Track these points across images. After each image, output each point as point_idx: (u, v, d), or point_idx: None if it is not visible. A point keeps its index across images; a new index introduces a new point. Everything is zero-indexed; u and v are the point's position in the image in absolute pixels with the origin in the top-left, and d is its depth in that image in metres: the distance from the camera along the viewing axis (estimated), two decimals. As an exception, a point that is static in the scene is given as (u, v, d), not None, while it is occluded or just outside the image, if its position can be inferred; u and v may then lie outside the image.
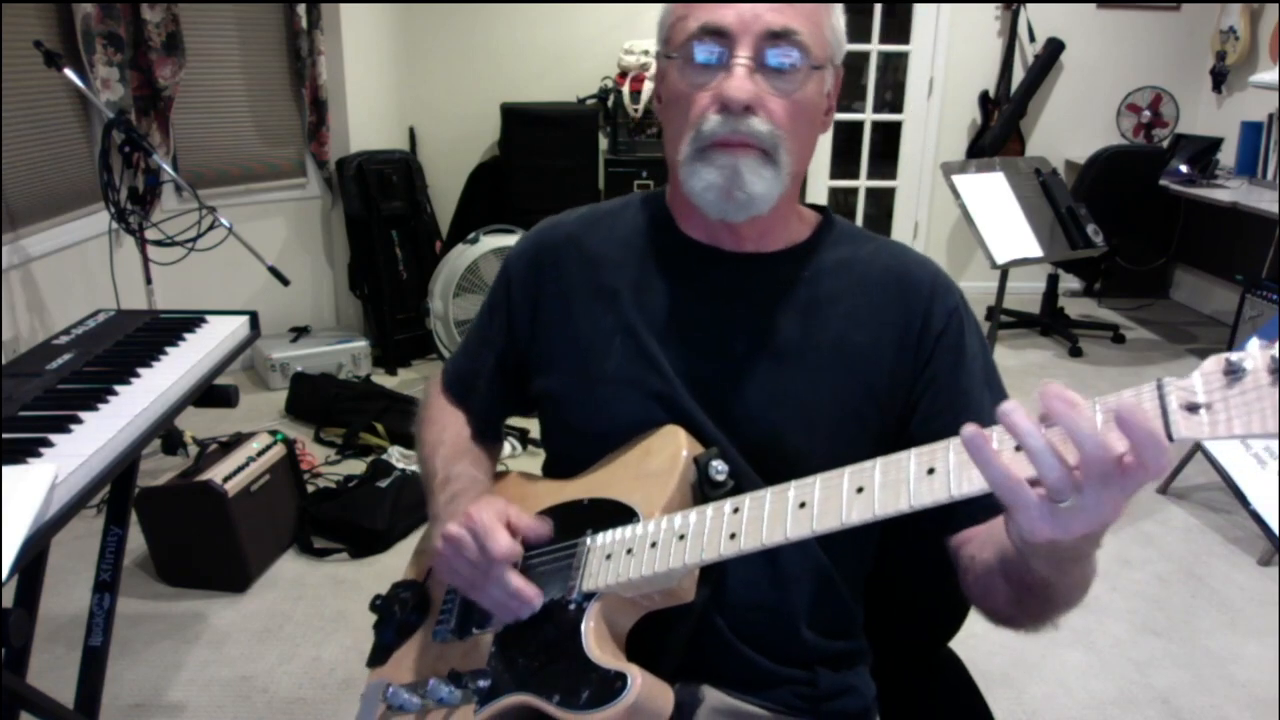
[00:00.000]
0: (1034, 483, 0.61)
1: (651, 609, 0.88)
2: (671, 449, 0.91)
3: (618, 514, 0.90)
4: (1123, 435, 0.56)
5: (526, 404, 1.10)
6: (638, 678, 0.79)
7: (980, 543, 0.85)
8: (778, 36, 0.87)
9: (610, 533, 0.88)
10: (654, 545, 0.83)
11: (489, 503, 0.92)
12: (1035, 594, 0.76)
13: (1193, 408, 0.57)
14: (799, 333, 0.96)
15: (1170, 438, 0.57)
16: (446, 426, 1.11)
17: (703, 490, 0.88)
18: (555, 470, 1.06)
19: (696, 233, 1.01)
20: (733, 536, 0.78)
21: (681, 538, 0.82)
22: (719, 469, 0.87)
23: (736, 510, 0.79)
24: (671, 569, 0.81)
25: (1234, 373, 0.56)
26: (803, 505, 0.75)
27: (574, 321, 1.02)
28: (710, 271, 0.99)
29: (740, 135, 0.87)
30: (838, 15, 0.94)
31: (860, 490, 0.71)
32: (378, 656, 1.03)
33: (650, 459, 0.92)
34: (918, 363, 0.95)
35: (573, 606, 0.86)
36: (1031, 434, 0.59)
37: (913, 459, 0.69)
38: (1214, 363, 0.57)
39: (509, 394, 1.11)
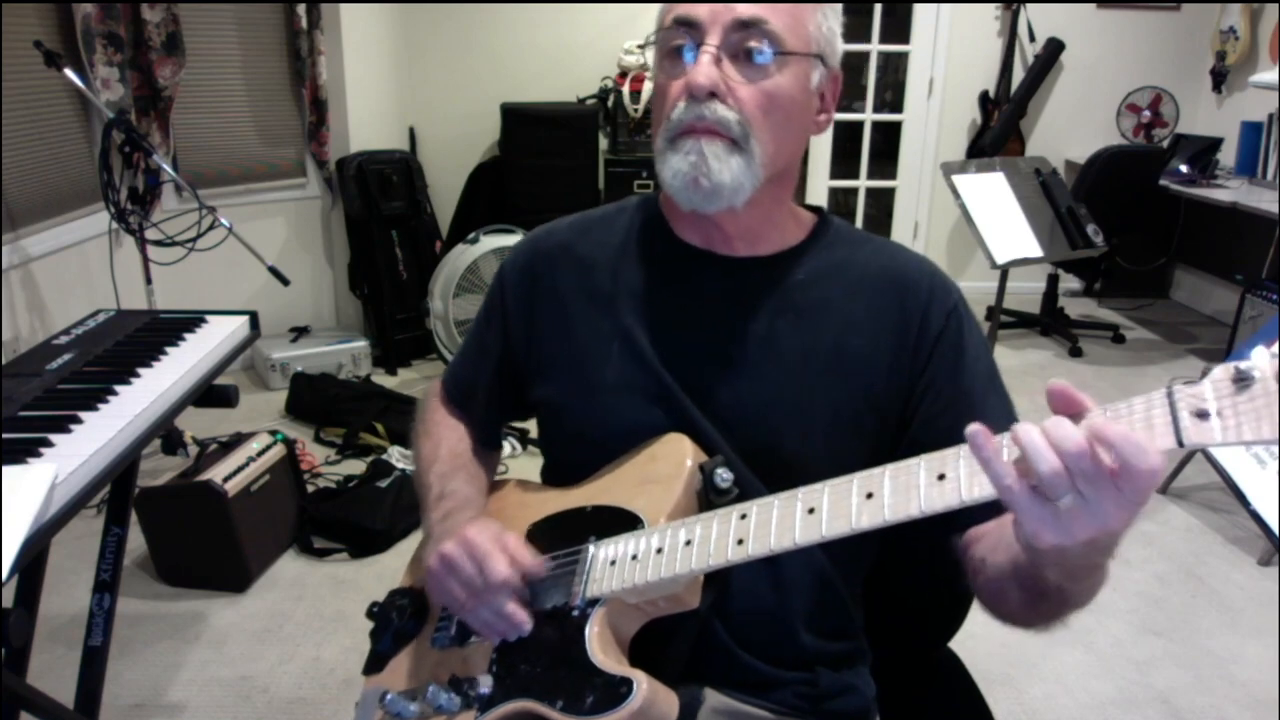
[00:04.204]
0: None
1: (656, 615, 0.88)
2: (676, 456, 0.91)
3: (621, 521, 0.89)
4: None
5: (526, 410, 1.10)
6: (643, 683, 0.78)
7: (991, 545, 0.84)
8: (747, 26, 0.88)
9: (614, 539, 0.88)
10: (660, 551, 0.83)
11: (486, 525, 0.92)
12: (1049, 599, 0.76)
13: (1202, 414, 0.57)
14: (794, 337, 0.95)
15: (1180, 444, 0.58)
16: (442, 440, 1.10)
17: (708, 497, 0.88)
18: (556, 476, 1.06)
19: (690, 235, 1.00)
20: (740, 542, 0.78)
21: (688, 543, 0.81)
22: (724, 477, 0.87)
23: (744, 516, 0.79)
24: (678, 575, 0.81)
25: (1243, 380, 0.57)
26: (811, 511, 0.74)
27: (571, 328, 1.01)
28: (704, 275, 0.98)
29: (705, 121, 0.88)
30: (828, 14, 0.93)
31: (870, 496, 0.71)
32: (374, 664, 1.02)
33: (654, 466, 0.92)
34: (915, 366, 0.94)
35: (576, 612, 0.86)
36: (1023, 428, 0.61)
37: (922, 465, 0.69)
38: (1223, 371, 0.58)
39: (508, 401, 1.11)
